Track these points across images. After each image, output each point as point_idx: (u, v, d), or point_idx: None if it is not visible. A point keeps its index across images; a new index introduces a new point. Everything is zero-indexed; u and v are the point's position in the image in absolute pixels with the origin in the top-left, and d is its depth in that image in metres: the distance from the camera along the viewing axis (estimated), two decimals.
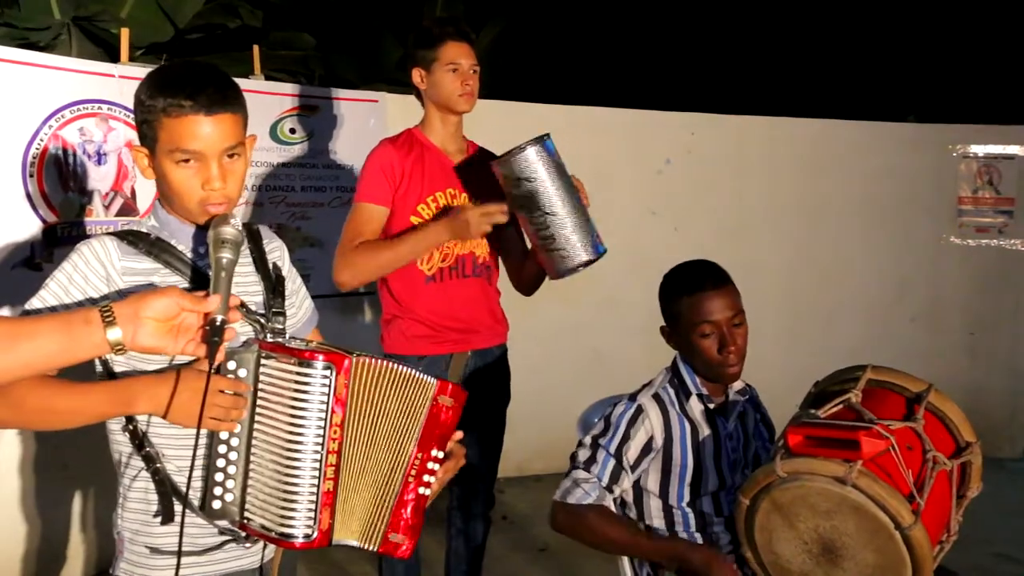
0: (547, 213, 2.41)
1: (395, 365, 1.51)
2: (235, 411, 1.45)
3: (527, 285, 2.81)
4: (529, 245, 2.66)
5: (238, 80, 1.59)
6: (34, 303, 1.50)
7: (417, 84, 2.71)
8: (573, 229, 2.43)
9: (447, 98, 2.67)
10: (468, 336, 2.75)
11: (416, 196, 2.67)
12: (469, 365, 2.77)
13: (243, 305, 1.55)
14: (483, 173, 2.70)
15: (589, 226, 2.47)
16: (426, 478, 1.55)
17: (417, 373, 1.53)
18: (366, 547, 1.53)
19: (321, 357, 1.42)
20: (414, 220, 2.66)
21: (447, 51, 2.65)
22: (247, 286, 1.63)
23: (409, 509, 1.54)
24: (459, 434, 1.60)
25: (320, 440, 1.42)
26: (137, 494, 1.55)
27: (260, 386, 1.46)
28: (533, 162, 2.40)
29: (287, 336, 1.63)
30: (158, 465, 1.52)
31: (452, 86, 2.65)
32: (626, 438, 2.08)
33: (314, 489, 1.43)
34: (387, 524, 1.52)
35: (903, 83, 8.65)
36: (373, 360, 1.49)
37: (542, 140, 2.44)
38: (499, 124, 2.70)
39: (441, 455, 1.56)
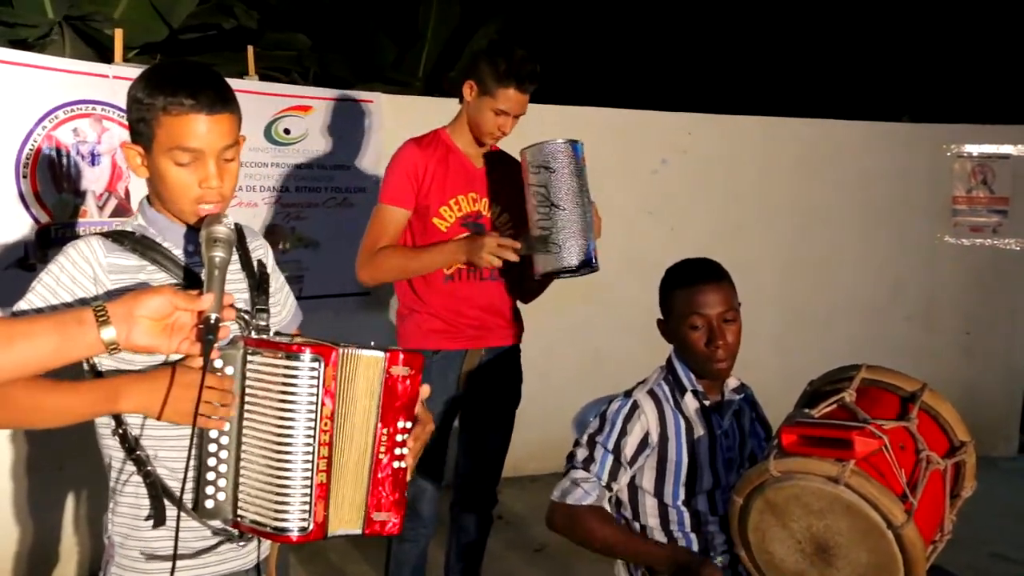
0: (554, 205, 2.45)
1: (353, 351, 1.48)
2: (223, 408, 1.45)
3: (526, 293, 2.88)
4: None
5: (232, 80, 1.60)
6: (21, 305, 1.49)
7: (465, 94, 2.73)
8: (573, 231, 2.46)
9: (480, 131, 2.72)
10: (483, 333, 2.80)
11: (438, 199, 2.71)
12: (482, 361, 2.81)
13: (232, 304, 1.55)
14: (503, 178, 2.75)
15: (589, 236, 2.50)
16: (398, 451, 1.53)
17: (364, 352, 1.48)
18: (354, 531, 1.51)
19: (308, 350, 1.42)
20: (436, 222, 2.71)
21: (505, 96, 2.64)
22: (233, 283, 1.62)
23: (388, 485, 1.52)
24: (425, 391, 1.57)
25: (311, 432, 1.42)
26: (128, 498, 1.55)
27: (247, 382, 1.46)
28: (558, 153, 2.46)
29: (271, 332, 1.63)
30: (149, 468, 1.52)
31: (490, 125, 2.69)
32: (623, 433, 2.08)
33: (307, 482, 1.42)
34: (368, 505, 1.51)
35: (897, 83, 8.67)
36: (346, 350, 1.47)
37: (574, 141, 2.50)
38: None
39: (409, 424, 1.54)
